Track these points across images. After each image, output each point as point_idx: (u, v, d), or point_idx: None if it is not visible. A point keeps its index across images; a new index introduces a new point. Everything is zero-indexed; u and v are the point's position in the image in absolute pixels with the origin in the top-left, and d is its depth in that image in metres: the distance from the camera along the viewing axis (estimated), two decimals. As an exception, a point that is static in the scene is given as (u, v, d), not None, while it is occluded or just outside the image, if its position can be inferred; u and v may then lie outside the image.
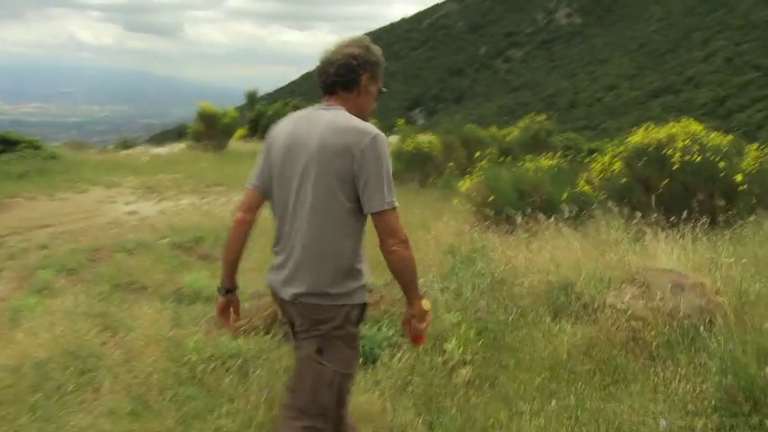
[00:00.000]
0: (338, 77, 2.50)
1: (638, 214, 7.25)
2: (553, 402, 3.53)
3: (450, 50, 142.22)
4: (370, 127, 2.43)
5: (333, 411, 2.52)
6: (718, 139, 9.72)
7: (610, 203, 9.44)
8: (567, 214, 7.42)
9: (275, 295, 2.62)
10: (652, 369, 3.90)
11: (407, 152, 18.59)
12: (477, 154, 12.64)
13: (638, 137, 14.83)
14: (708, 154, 8.65)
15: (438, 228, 8.67)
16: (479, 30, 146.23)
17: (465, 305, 4.61)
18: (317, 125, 2.45)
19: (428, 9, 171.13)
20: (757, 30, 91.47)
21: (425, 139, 19.97)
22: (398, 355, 4.05)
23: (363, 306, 2.56)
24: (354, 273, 2.49)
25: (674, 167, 8.83)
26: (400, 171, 18.40)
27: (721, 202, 8.24)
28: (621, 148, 13.30)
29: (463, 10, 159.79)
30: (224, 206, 12.09)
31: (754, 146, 10.60)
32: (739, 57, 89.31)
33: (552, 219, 7.57)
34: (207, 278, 6.32)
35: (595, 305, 4.62)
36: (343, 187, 2.39)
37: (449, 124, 25.87)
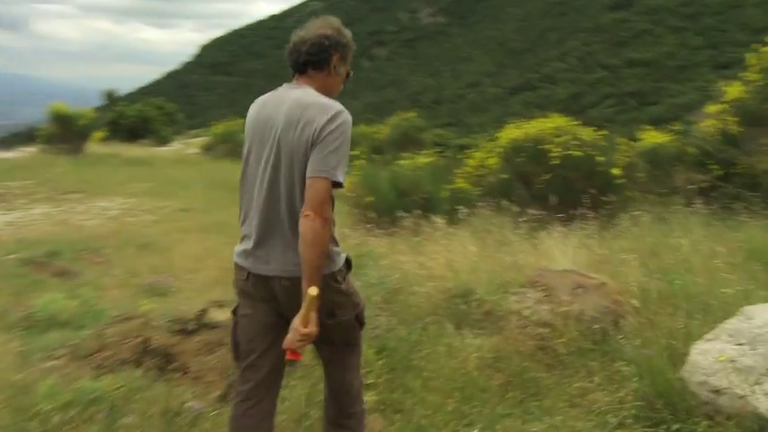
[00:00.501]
0: (310, 56, 2.50)
1: (528, 211, 7.15)
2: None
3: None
4: (336, 104, 2.42)
5: (358, 338, 2.74)
6: (589, 133, 9.91)
7: (492, 200, 9.37)
8: (460, 215, 7.16)
9: (247, 273, 2.53)
10: (566, 380, 3.66)
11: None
12: (355, 152, 12.25)
13: (510, 132, 14.92)
14: (587, 148, 8.73)
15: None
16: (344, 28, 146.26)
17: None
18: (284, 102, 2.46)
19: (293, 7, 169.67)
20: (605, 32, 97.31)
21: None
22: (292, 383, 3.59)
23: (347, 263, 2.56)
24: (331, 239, 2.44)
25: (554, 162, 8.87)
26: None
27: (603, 197, 8.31)
28: (496, 144, 13.30)
29: (328, 8, 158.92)
30: (83, 214, 11.08)
31: (623, 140, 10.95)
32: (590, 56, 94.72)
33: (439, 219, 7.34)
34: (64, 299, 5.54)
35: (499, 312, 4.36)
36: (306, 160, 2.35)
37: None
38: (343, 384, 2.70)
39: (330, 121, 2.34)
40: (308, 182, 2.31)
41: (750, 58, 8.98)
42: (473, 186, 10.91)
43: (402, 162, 11.15)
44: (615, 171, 8.72)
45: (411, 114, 27.41)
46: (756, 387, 3.16)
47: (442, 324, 4.30)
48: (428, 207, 9.61)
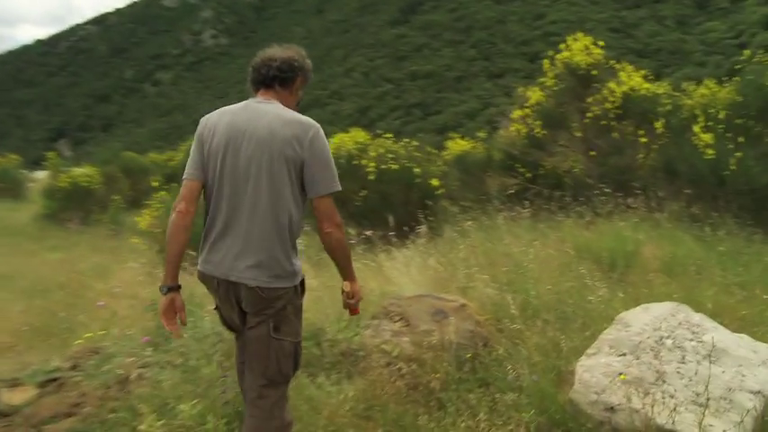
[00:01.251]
0: (280, 72, 2.68)
1: (353, 232, 6.75)
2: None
3: (94, 75, 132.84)
4: (311, 120, 2.62)
5: (292, 375, 2.73)
6: (399, 146, 9.78)
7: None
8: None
9: (213, 279, 2.64)
10: (449, 420, 3.23)
11: (62, 189, 16.39)
12: (154, 182, 11.18)
13: None
14: (403, 161, 8.54)
15: (122, 275, 7.31)
16: (124, 53, 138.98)
17: (203, 385, 3.49)
18: (262, 116, 2.60)
19: (65, 31, 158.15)
20: (386, 47, 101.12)
21: (82, 172, 17.84)
22: None
23: (303, 280, 2.72)
24: (296, 251, 2.66)
25: (371, 178, 8.58)
26: (56, 210, 16.08)
27: (426, 209, 8.14)
28: None
29: (104, 32, 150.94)
30: None
31: (429, 149, 10.96)
32: (374, 71, 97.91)
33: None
34: None
35: (358, 352, 3.86)
36: (291, 174, 2.55)
37: (105, 154, 23.81)
38: (278, 397, 2.69)
39: (316, 137, 2.57)
40: (317, 201, 2.59)
41: (546, 64, 9.33)
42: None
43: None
44: (434, 182, 8.62)
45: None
46: (649, 398, 2.95)
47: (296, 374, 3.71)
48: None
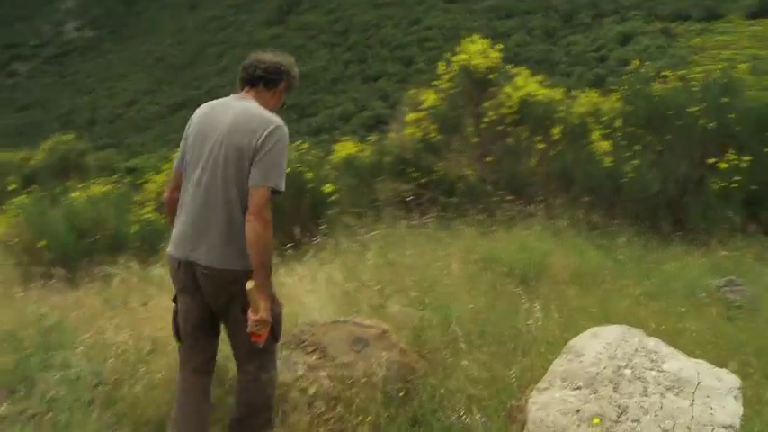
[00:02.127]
0: (266, 73, 2.88)
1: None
2: None
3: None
4: (277, 118, 2.77)
5: (271, 346, 2.89)
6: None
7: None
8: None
9: (175, 261, 2.79)
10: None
11: None
12: (11, 185, 9.99)
13: None
14: (294, 165, 7.96)
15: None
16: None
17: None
18: (231, 110, 2.80)
19: None
20: (262, 47, 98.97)
21: None
22: None
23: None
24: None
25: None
26: None
27: (318, 218, 7.62)
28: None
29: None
30: None
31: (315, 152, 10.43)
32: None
33: (133, 261, 6.01)
34: None
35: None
36: (245, 165, 2.67)
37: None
38: (251, 393, 2.88)
39: (272, 132, 2.67)
40: (251, 191, 2.62)
41: (441, 66, 9.05)
42: (163, 216, 9.64)
43: (74, 195, 9.36)
44: (328, 188, 8.10)
45: (68, 137, 24.31)
46: (611, 441, 2.60)
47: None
48: (116, 246, 8.12)
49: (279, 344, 3.04)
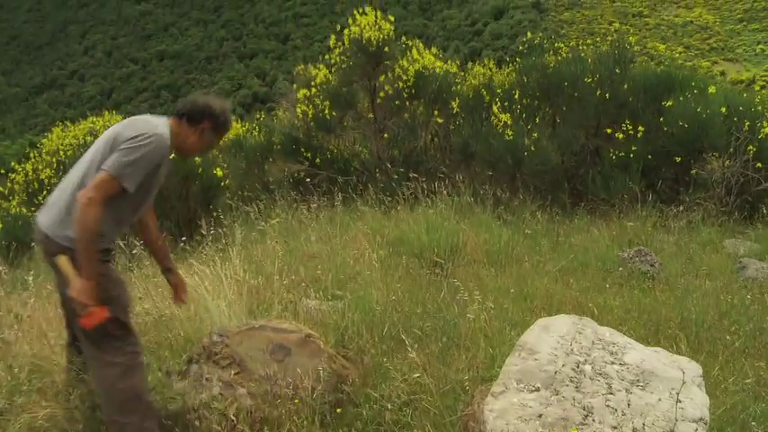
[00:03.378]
0: (189, 111, 2.89)
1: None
2: None
3: None
4: (154, 130, 2.70)
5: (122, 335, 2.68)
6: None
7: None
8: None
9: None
10: None
11: None
12: None
13: (59, 136, 12.90)
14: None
15: None
16: None
17: None
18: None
19: None
20: (131, 25, 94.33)
21: None
22: None
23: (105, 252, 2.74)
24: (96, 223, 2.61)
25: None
26: None
27: (210, 204, 7.03)
28: (45, 151, 11.39)
29: None
30: None
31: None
32: (117, 50, 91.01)
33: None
34: None
35: (184, 416, 2.79)
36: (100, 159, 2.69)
37: None
38: (98, 381, 2.70)
39: (134, 136, 2.65)
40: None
41: (332, 40, 8.59)
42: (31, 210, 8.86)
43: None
44: (218, 172, 7.50)
45: None
46: (579, 446, 2.33)
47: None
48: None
49: (131, 329, 2.76)
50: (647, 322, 4.34)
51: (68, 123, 14.44)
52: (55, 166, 11.33)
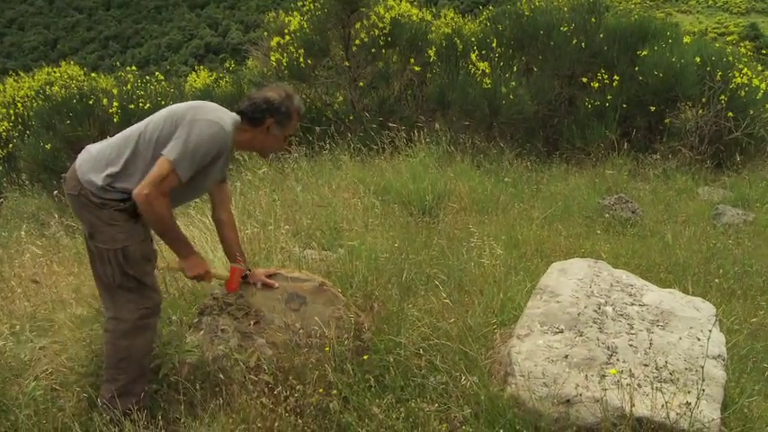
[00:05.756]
0: (249, 111, 2.75)
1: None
2: None
3: None
4: (215, 114, 2.64)
5: (120, 280, 2.62)
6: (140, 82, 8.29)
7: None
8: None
9: None
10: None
11: None
12: None
13: (14, 86, 12.58)
14: (159, 99, 7.12)
15: None
16: None
17: None
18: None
19: None
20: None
21: None
22: None
23: (123, 201, 2.60)
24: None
25: (116, 120, 7.06)
26: None
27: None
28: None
29: None
30: None
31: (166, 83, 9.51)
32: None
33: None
34: None
35: (204, 370, 2.76)
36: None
37: None
38: (104, 330, 2.69)
39: (191, 119, 2.59)
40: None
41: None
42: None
43: None
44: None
45: None
46: (607, 380, 2.39)
47: None
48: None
49: (148, 285, 2.68)
50: (638, 267, 4.44)
51: (21, 73, 13.89)
52: (12, 118, 10.90)
